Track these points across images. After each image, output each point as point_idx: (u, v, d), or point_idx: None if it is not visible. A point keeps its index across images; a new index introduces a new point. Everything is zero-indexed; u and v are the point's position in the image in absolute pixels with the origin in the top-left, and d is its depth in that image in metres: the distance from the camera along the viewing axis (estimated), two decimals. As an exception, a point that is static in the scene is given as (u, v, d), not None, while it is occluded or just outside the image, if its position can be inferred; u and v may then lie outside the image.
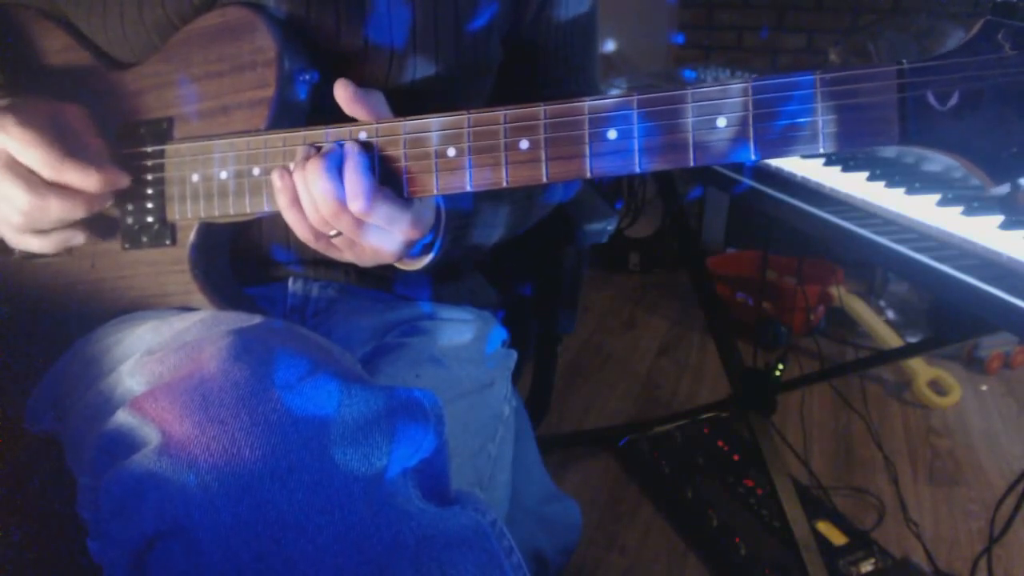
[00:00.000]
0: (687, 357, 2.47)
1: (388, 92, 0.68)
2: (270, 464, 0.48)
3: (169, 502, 0.48)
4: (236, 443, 0.49)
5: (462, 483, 0.65)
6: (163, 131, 0.72)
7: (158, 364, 0.58)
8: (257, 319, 0.62)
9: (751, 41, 3.08)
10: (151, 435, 0.51)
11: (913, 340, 2.42)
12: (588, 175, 0.59)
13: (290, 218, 0.65)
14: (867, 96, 0.52)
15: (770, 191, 1.02)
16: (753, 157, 0.55)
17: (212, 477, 0.48)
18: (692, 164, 0.56)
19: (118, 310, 0.75)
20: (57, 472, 0.68)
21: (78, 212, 0.70)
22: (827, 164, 0.99)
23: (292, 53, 0.69)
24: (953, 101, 0.51)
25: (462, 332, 0.85)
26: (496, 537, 0.53)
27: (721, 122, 0.55)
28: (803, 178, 0.99)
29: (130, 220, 0.74)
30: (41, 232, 0.71)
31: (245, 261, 0.80)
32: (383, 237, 0.64)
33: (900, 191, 0.88)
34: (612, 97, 0.58)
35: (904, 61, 0.52)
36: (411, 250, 0.69)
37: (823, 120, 0.53)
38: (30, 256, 0.76)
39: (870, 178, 0.93)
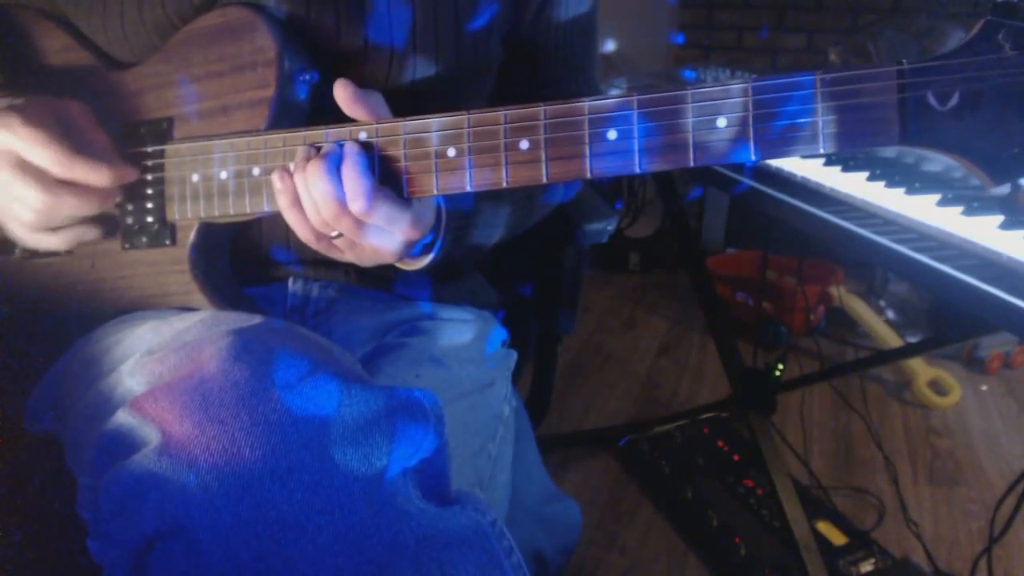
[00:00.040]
0: (687, 357, 2.47)
1: (388, 92, 0.68)
2: (270, 464, 0.48)
3: (169, 502, 0.48)
4: (236, 443, 0.49)
5: (462, 483, 0.65)
6: (163, 131, 0.72)
7: (158, 364, 0.58)
8: (257, 319, 0.62)
9: (751, 41, 3.08)
10: (151, 435, 0.51)
11: (913, 340, 2.42)
12: (588, 175, 0.59)
13: (291, 219, 0.65)
14: (867, 96, 0.52)
15: (770, 191, 1.02)
16: (753, 157, 0.55)
17: (212, 477, 0.48)
18: (692, 164, 0.56)
19: (118, 310, 0.75)
20: (57, 472, 0.68)
21: (90, 208, 0.70)
22: (827, 164, 0.99)
23: (292, 53, 0.69)
24: (953, 101, 0.51)
25: (462, 332, 0.85)
26: (496, 537, 0.53)
27: (721, 122, 0.55)
28: (803, 178, 0.99)
29: (130, 220, 0.74)
30: (54, 229, 0.71)
31: (245, 261, 0.80)
32: (383, 237, 0.64)
33: (900, 191, 0.88)
34: (612, 97, 0.58)
35: (904, 61, 0.52)
36: (411, 250, 0.69)
37: (823, 120, 0.53)
38: (31, 255, 0.76)
39: (870, 178, 0.93)
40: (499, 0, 0.79)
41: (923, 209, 0.83)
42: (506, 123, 0.60)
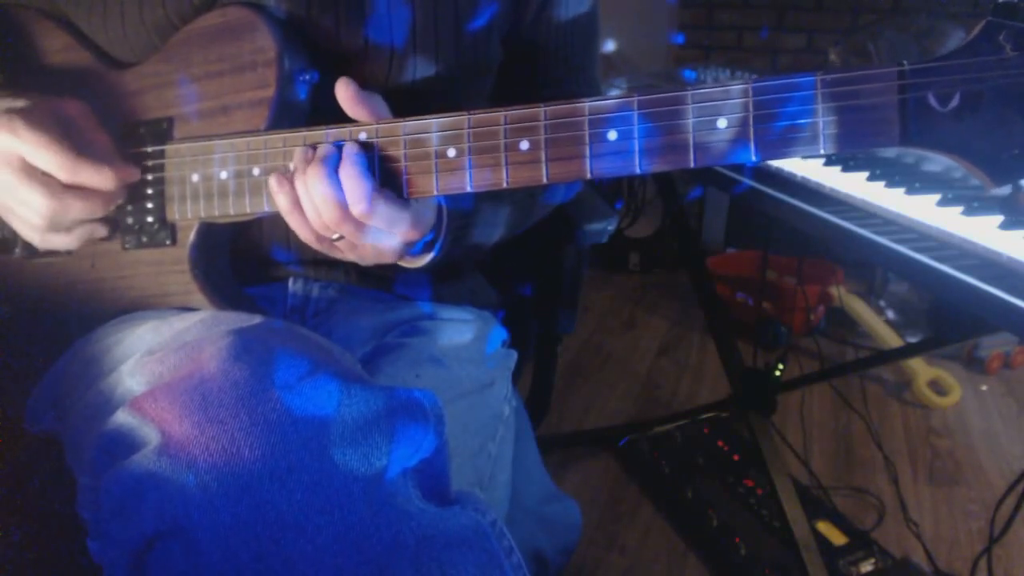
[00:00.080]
0: (687, 357, 2.47)
1: (388, 92, 0.68)
2: (270, 464, 0.48)
3: (169, 502, 0.48)
4: (236, 443, 0.49)
5: (462, 483, 0.65)
6: (163, 131, 0.72)
7: (158, 364, 0.58)
8: (257, 319, 0.62)
9: (751, 41, 3.08)
10: (151, 435, 0.51)
11: (913, 340, 2.42)
12: (588, 176, 0.59)
13: (292, 222, 0.65)
14: (868, 97, 0.52)
15: (770, 191, 1.02)
16: (754, 158, 0.55)
17: (211, 477, 0.48)
18: (692, 165, 0.56)
19: (118, 310, 0.75)
20: (57, 472, 0.68)
21: (97, 211, 0.71)
22: (827, 164, 0.99)
23: (292, 53, 0.69)
24: (954, 102, 0.51)
25: (462, 332, 0.85)
26: (496, 537, 0.53)
27: (722, 123, 0.55)
28: (803, 178, 0.99)
29: (130, 220, 0.74)
30: (64, 230, 0.71)
31: (245, 261, 0.80)
32: (383, 238, 0.64)
33: (900, 191, 0.88)
34: (612, 98, 0.58)
35: (905, 62, 0.52)
36: (412, 249, 0.69)
37: (824, 121, 0.53)
38: (31, 255, 0.76)
39: (870, 178, 0.93)
40: (499, 0, 0.79)
41: (923, 209, 0.83)
42: (506, 123, 0.60)
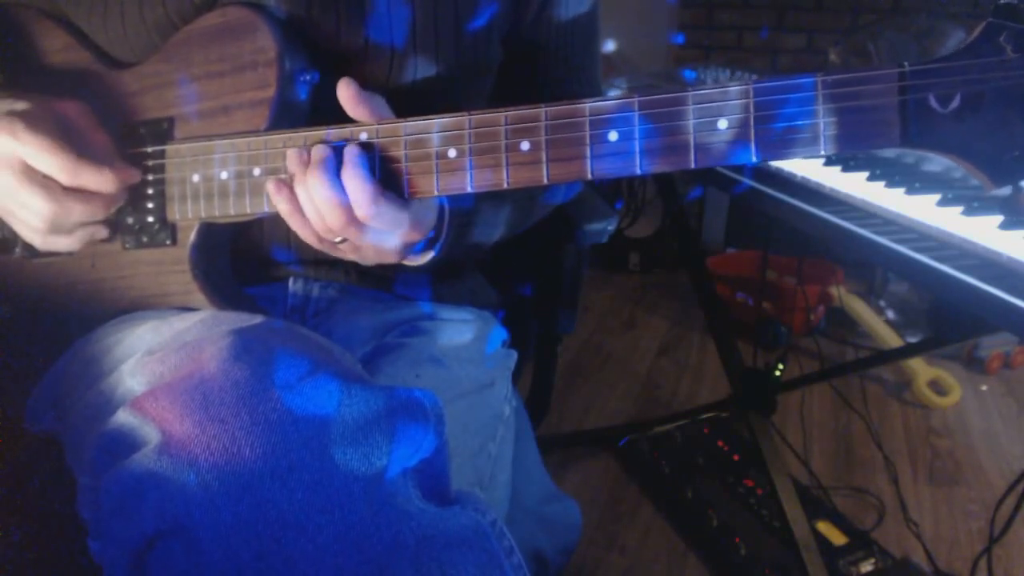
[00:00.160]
0: (687, 357, 2.47)
1: (389, 92, 0.68)
2: (270, 463, 0.48)
3: (169, 501, 0.48)
4: (236, 442, 0.49)
5: (462, 483, 0.65)
6: (163, 131, 0.72)
7: (159, 364, 0.58)
8: (257, 319, 0.62)
9: (751, 41, 3.07)
10: (151, 435, 0.51)
11: (913, 340, 2.42)
12: (589, 176, 0.59)
13: (294, 225, 0.65)
14: (868, 98, 0.52)
15: (770, 191, 1.02)
16: (754, 159, 0.55)
17: (212, 476, 0.48)
18: (693, 166, 0.56)
19: (118, 310, 0.75)
20: (57, 472, 0.69)
21: (98, 213, 0.71)
22: (827, 164, 0.99)
23: (293, 53, 0.69)
24: (954, 104, 0.51)
25: (462, 332, 0.85)
26: (496, 537, 0.53)
27: (722, 124, 0.55)
28: (803, 178, 0.99)
29: (130, 220, 0.74)
30: (65, 232, 0.71)
31: (246, 261, 0.80)
32: (385, 238, 0.64)
33: (900, 191, 0.88)
34: (613, 99, 0.58)
35: (906, 63, 0.52)
36: (413, 248, 0.70)
37: (824, 122, 0.53)
38: (31, 255, 0.76)
39: (870, 178, 0.93)
40: (499, 0, 0.79)
41: (923, 209, 0.83)
42: (507, 124, 0.60)
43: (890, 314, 2.59)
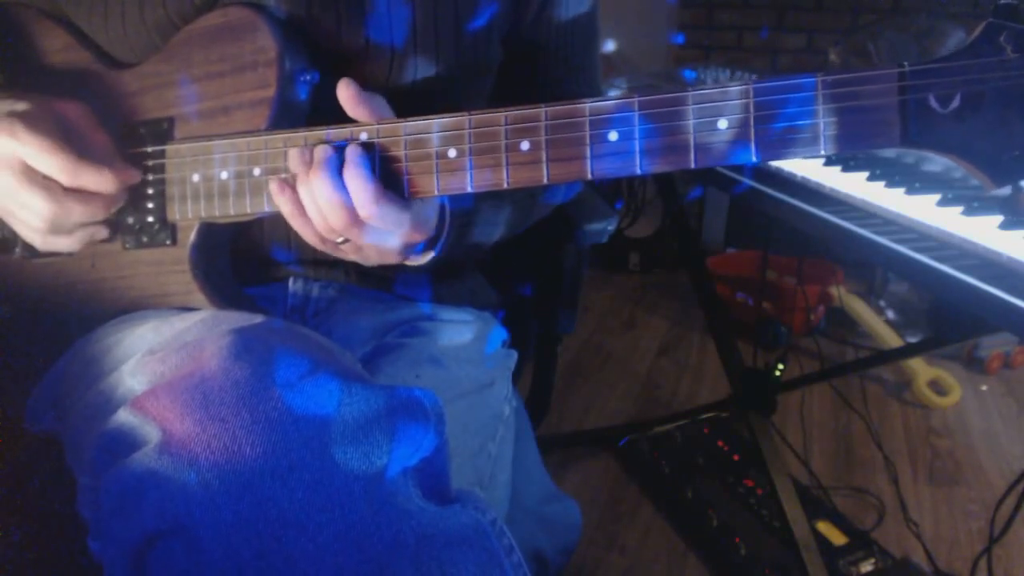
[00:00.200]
0: (687, 357, 2.47)
1: (389, 92, 0.68)
2: (271, 462, 0.48)
3: (170, 500, 0.48)
4: (237, 441, 0.49)
5: (462, 482, 0.65)
6: (164, 131, 0.72)
7: (159, 363, 0.58)
8: (258, 319, 0.62)
9: (751, 41, 3.08)
10: (152, 434, 0.51)
11: (913, 340, 2.42)
12: (589, 176, 0.59)
13: (296, 225, 0.65)
14: (868, 98, 0.52)
15: (770, 191, 1.02)
16: (754, 159, 0.55)
17: (213, 475, 0.48)
18: (693, 166, 0.56)
19: (118, 310, 0.75)
20: (57, 472, 0.69)
21: (98, 213, 0.71)
22: (827, 164, 0.99)
23: (293, 53, 0.69)
24: (954, 104, 0.51)
25: (462, 333, 0.85)
26: (496, 536, 0.53)
27: (722, 124, 0.55)
28: (803, 178, 0.99)
29: (131, 220, 0.74)
30: (65, 233, 0.71)
31: (246, 261, 0.80)
32: (386, 238, 0.65)
33: (900, 191, 0.88)
34: (613, 99, 0.58)
35: (905, 63, 0.52)
36: (415, 249, 0.70)
37: (824, 122, 0.53)
38: (31, 255, 0.76)
39: (870, 178, 0.93)
40: (499, 0, 0.79)
41: (923, 209, 0.83)
42: (507, 124, 0.60)
43: (890, 314, 2.59)
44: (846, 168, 0.97)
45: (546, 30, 0.86)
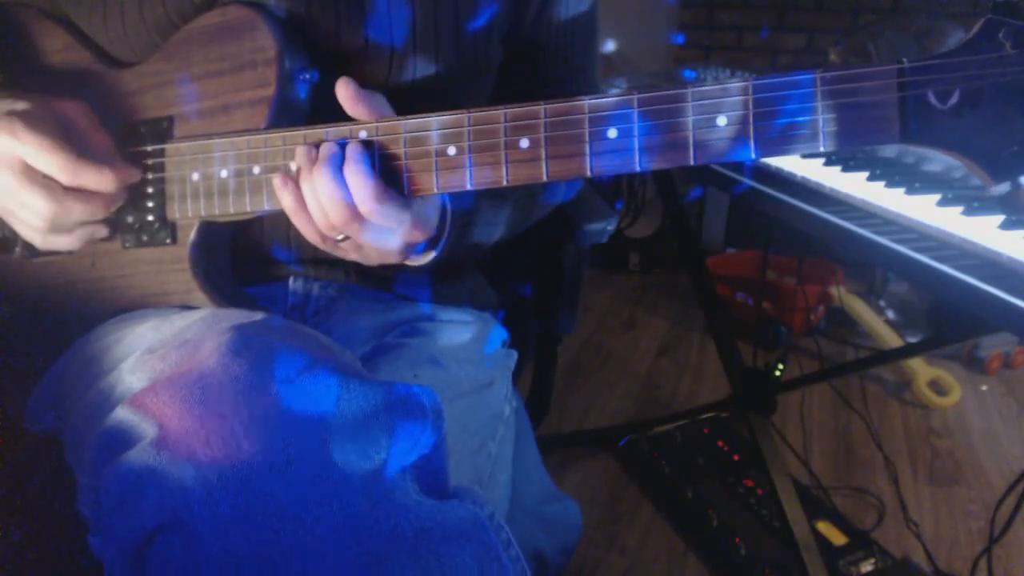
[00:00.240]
0: (687, 357, 2.47)
1: (388, 91, 0.68)
2: (269, 457, 0.48)
3: (168, 495, 0.48)
4: (235, 436, 0.49)
5: (462, 481, 0.65)
6: (163, 130, 0.72)
7: (159, 362, 0.58)
8: (258, 316, 0.62)
9: (751, 41, 3.08)
10: (150, 430, 0.51)
11: (913, 340, 2.42)
12: (588, 174, 0.59)
13: (297, 222, 0.65)
14: (868, 95, 0.52)
15: (770, 191, 1.02)
16: (753, 156, 0.55)
17: (211, 470, 0.48)
18: (692, 163, 0.56)
19: (118, 309, 0.75)
20: (57, 472, 0.69)
21: (98, 212, 0.71)
22: (827, 164, 0.99)
23: (292, 52, 0.69)
24: (954, 100, 0.51)
25: (461, 333, 0.85)
26: (494, 530, 0.53)
27: (721, 121, 0.55)
28: (803, 178, 0.99)
29: (130, 219, 0.74)
30: (65, 232, 0.71)
31: (246, 260, 0.80)
32: (387, 236, 0.65)
33: (900, 191, 0.88)
34: (612, 96, 0.58)
35: (905, 60, 0.52)
36: (415, 248, 0.70)
37: (823, 119, 0.53)
38: (31, 255, 0.76)
39: (870, 178, 0.93)
40: (499, 0, 0.79)
41: (923, 209, 0.83)
42: (506, 122, 0.60)
43: (890, 314, 2.59)
44: (846, 168, 0.97)
45: (546, 30, 0.86)
